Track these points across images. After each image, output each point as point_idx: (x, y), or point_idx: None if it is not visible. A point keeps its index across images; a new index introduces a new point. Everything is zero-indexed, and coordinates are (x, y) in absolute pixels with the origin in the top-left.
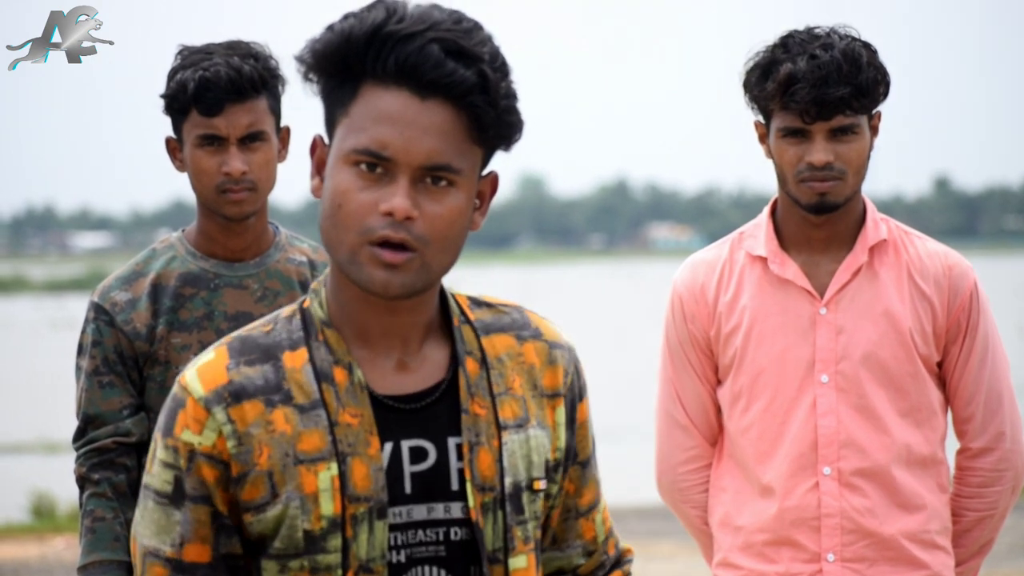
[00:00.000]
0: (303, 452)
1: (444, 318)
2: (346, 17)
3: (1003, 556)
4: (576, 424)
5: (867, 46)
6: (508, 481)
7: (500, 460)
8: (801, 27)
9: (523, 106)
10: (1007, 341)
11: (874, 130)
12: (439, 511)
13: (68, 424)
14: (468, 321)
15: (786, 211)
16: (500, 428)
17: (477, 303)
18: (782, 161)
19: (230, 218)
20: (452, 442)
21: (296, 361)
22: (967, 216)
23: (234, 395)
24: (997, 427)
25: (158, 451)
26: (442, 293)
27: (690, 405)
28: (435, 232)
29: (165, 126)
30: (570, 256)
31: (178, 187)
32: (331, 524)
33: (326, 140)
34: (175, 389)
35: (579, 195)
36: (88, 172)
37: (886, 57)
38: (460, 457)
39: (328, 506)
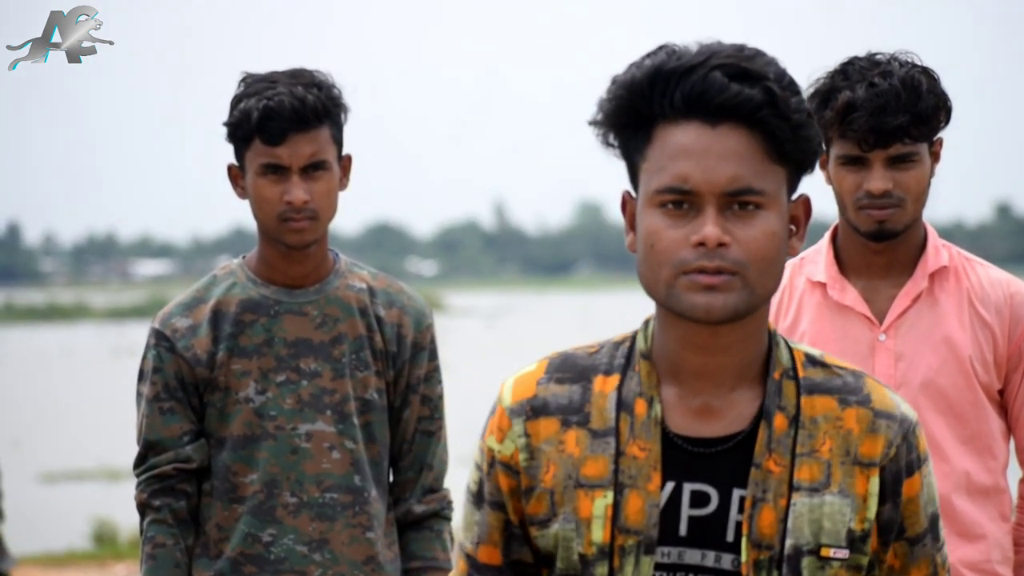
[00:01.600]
0: (585, 476)
1: (766, 368)
2: (628, 68)
3: None
4: (902, 499)
5: (928, 73)
6: (789, 543)
7: (784, 520)
8: (862, 53)
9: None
10: None
11: (935, 156)
12: (710, 559)
13: (129, 451)
14: (795, 377)
15: (846, 237)
16: (792, 489)
17: (813, 362)
18: (841, 188)
19: (291, 246)
20: (737, 493)
21: (606, 386)
22: None
23: (536, 410)
24: None
25: (475, 452)
26: (773, 342)
27: None
28: (751, 255)
29: (226, 153)
30: (629, 282)
31: (238, 214)
32: (600, 552)
33: (633, 194)
34: (497, 394)
35: None
36: (149, 199)
37: (947, 81)
38: (741, 510)
39: (599, 533)
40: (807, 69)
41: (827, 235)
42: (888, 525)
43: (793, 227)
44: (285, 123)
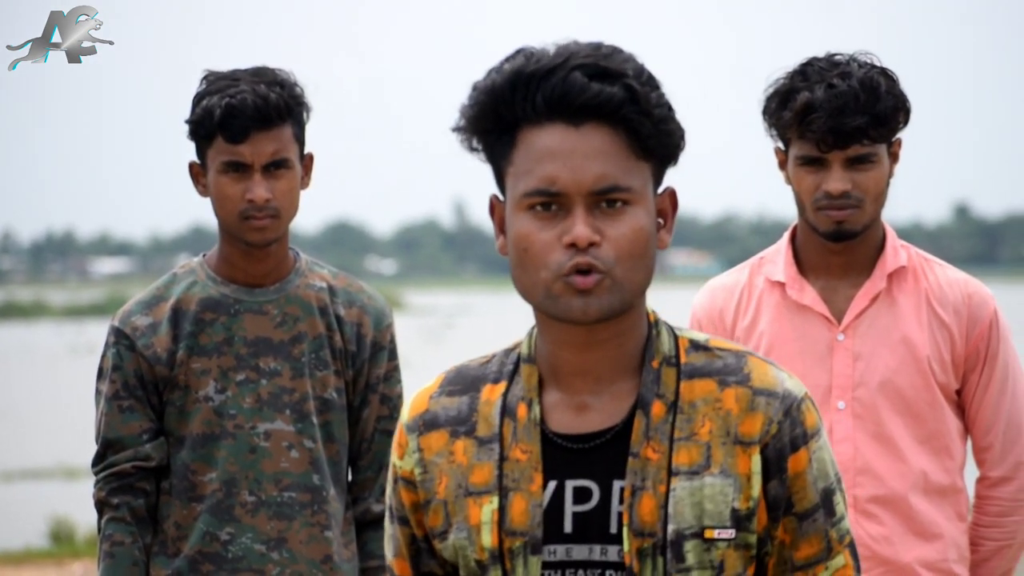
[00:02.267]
0: (473, 484)
1: (643, 358)
2: (488, 73)
3: None
4: (788, 475)
5: (887, 74)
6: (671, 528)
7: (665, 506)
8: (821, 54)
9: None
10: None
11: (894, 157)
12: (596, 552)
13: (87, 449)
14: (676, 363)
15: (805, 237)
16: (671, 474)
17: (697, 346)
18: (800, 189)
19: (252, 244)
20: (617, 485)
21: (492, 394)
22: (987, 243)
23: (427, 424)
24: (1017, 456)
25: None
26: (655, 332)
27: None
28: (621, 252)
29: (185, 151)
30: None
31: (197, 212)
32: (492, 556)
33: (500, 197)
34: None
35: None
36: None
37: (905, 83)
38: (623, 501)
39: (487, 538)
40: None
41: (786, 235)
42: (776, 502)
43: (661, 220)
44: (247, 121)
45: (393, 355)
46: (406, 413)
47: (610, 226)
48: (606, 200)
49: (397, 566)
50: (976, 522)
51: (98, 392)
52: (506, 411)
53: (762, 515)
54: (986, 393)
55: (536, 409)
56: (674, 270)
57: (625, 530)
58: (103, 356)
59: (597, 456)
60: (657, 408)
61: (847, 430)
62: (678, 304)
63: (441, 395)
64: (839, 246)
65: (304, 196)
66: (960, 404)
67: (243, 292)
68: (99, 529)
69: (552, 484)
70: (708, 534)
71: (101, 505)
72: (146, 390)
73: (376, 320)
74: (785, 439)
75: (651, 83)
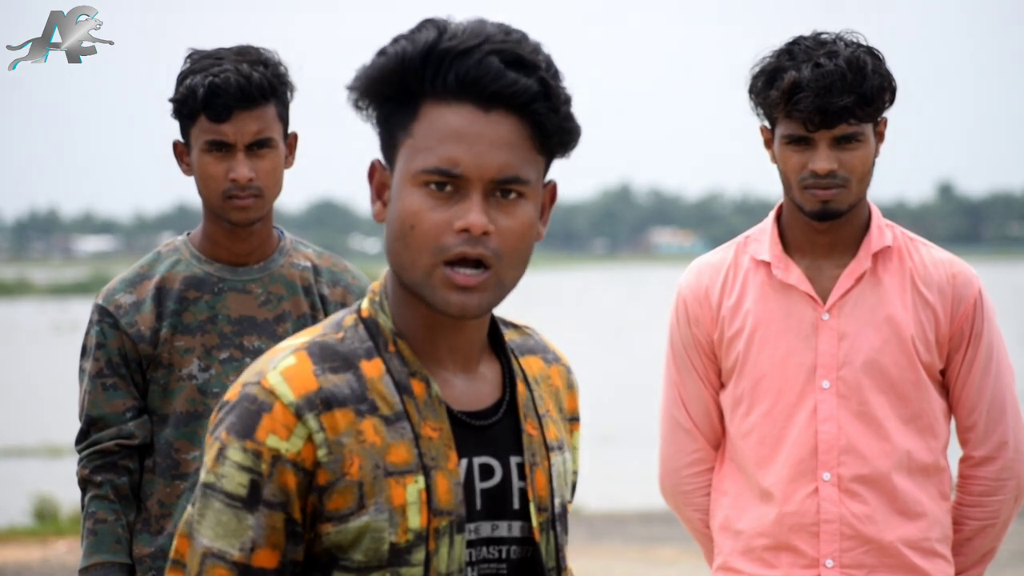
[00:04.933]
0: (392, 464)
1: (492, 337)
2: (396, 40)
3: (1004, 563)
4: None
5: (873, 53)
6: (557, 501)
7: (550, 481)
8: (808, 33)
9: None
10: (1010, 348)
11: (880, 136)
12: (503, 529)
13: (70, 428)
14: (502, 341)
15: (791, 216)
16: (548, 449)
17: (505, 323)
18: (786, 168)
19: (235, 223)
20: (514, 461)
21: (374, 371)
22: (970, 222)
23: (325, 402)
24: (1000, 436)
25: (231, 453)
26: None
27: (693, 409)
28: (508, 246)
29: (169, 129)
30: (573, 261)
31: (182, 191)
32: (417, 537)
33: (384, 164)
34: (253, 391)
35: (582, 200)
36: (91, 175)
37: (890, 62)
38: (522, 476)
39: (415, 519)
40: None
41: (772, 214)
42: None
43: (540, 212)
44: (231, 100)
45: None
46: (286, 392)
47: (502, 217)
48: (502, 190)
49: (261, 557)
50: (959, 501)
51: (81, 370)
52: (401, 388)
53: None
54: (970, 373)
55: (435, 386)
56: (658, 248)
57: (531, 505)
58: (87, 334)
59: (494, 433)
60: (520, 386)
61: (831, 409)
62: (662, 282)
63: (324, 372)
64: (824, 225)
65: (288, 175)
66: (944, 384)
67: (227, 271)
68: (82, 507)
69: (463, 462)
70: (568, 507)
71: (84, 483)
72: (129, 368)
73: (360, 299)
74: (578, 412)
75: (558, 77)
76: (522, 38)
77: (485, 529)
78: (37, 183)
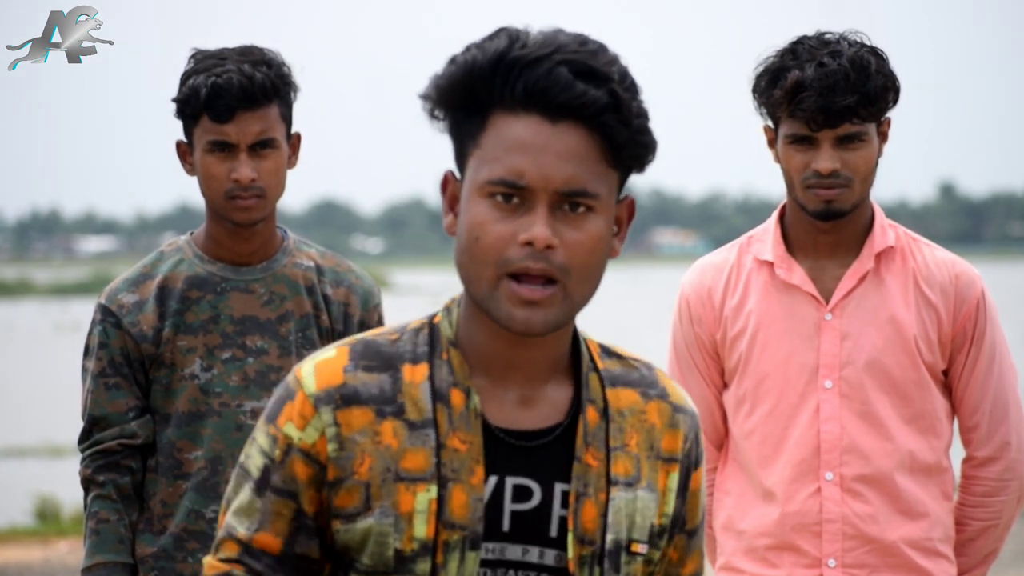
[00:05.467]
0: (405, 470)
1: (573, 360)
2: (468, 48)
3: (1008, 563)
4: (689, 492)
5: (876, 53)
6: (610, 538)
7: (605, 515)
8: (811, 32)
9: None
10: (1012, 348)
11: (883, 136)
12: (533, 554)
13: (72, 428)
14: (596, 369)
15: (794, 216)
16: (610, 483)
17: (608, 353)
18: (789, 167)
19: (238, 224)
20: (559, 488)
21: (416, 376)
22: (972, 222)
23: (345, 398)
24: (1003, 436)
25: (258, 435)
26: (575, 335)
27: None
28: (576, 261)
29: (171, 129)
30: None
31: (183, 190)
32: (422, 547)
33: (457, 175)
34: (288, 378)
35: None
36: (93, 176)
37: (893, 61)
38: (565, 505)
39: (421, 528)
40: None
41: (775, 214)
42: (676, 519)
43: (616, 227)
44: (233, 101)
45: None
46: (311, 383)
47: (569, 231)
48: (570, 203)
49: (261, 539)
50: (962, 502)
51: (84, 370)
52: (437, 396)
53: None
54: (973, 373)
55: (475, 398)
56: (660, 249)
57: (570, 535)
58: (89, 334)
59: (539, 456)
60: (591, 414)
61: (834, 409)
62: (663, 282)
63: (356, 369)
64: (828, 225)
65: (290, 175)
66: (947, 384)
67: (230, 270)
68: (85, 506)
69: (493, 479)
70: (633, 547)
71: (87, 482)
72: (132, 368)
73: (363, 300)
74: (692, 457)
75: (633, 89)
76: (598, 49)
77: (513, 552)
78: (39, 183)
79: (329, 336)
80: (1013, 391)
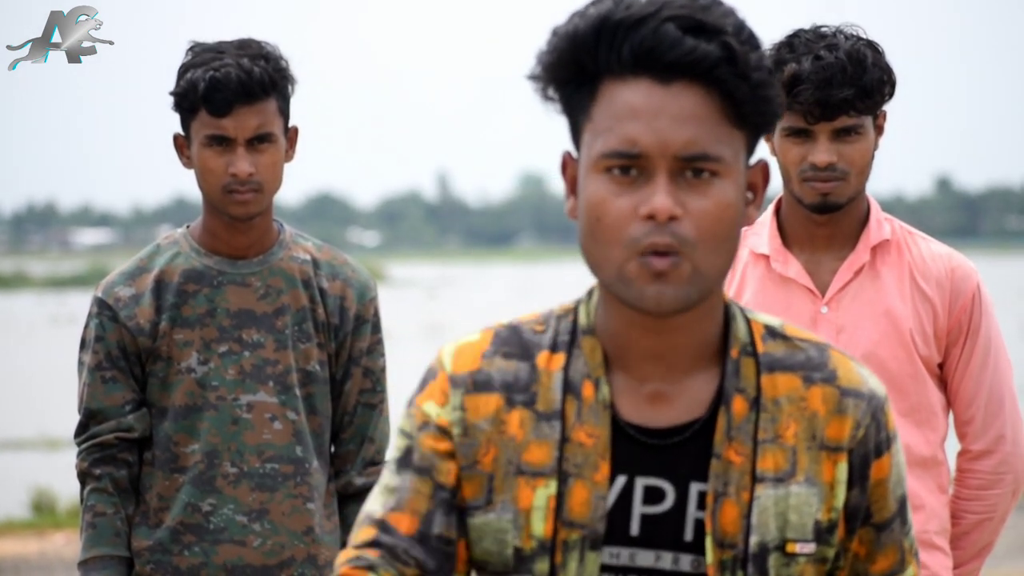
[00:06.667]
0: (526, 463)
1: (723, 345)
2: (570, 17)
3: (1003, 556)
4: (870, 482)
5: (873, 46)
6: (754, 540)
7: (748, 516)
8: (808, 26)
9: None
10: (1008, 342)
11: (879, 130)
12: (667, 561)
13: (69, 420)
14: (753, 353)
15: (790, 209)
16: (755, 480)
17: (774, 334)
18: (786, 160)
19: (236, 218)
20: (695, 488)
21: (552, 365)
22: (968, 216)
23: (476, 384)
24: (998, 430)
25: (401, 422)
26: (729, 315)
27: None
28: (703, 230)
29: (168, 122)
30: (571, 254)
31: (179, 184)
32: (540, 546)
33: (574, 155)
34: (433, 359)
35: None
36: (89, 168)
37: (890, 54)
38: (702, 506)
39: (539, 526)
40: None
41: (771, 207)
42: (855, 511)
43: (751, 194)
44: (231, 94)
45: (376, 328)
46: (449, 363)
47: (694, 199)
48: (692, 169)
49: (395, 518)
50: (957, 495)
51: (80, 363)
52: (568, 387)
53: (840, 526)
54: (968, 366)
55: (605, 390)
56: None
57: (708, 539)
58: (86, 327)
59: (674, 454)
60: (739, 405)
61: None
62: None
63: (495, 355)
64: (824, 218)
65: (286, 168)
66: (942, 377)
67: (226, 264)
68: (81, 500)
69: (621, 479)
70: (790, 548)
71: (83, 476)
72: (128, 361)
73: (359, 293)
74: (870, 444)
75: (751, 42)
76: (710, 3)
77: (645, 558)
78: (35, 176)
79: (325, 330)
80: (1008, 385)
